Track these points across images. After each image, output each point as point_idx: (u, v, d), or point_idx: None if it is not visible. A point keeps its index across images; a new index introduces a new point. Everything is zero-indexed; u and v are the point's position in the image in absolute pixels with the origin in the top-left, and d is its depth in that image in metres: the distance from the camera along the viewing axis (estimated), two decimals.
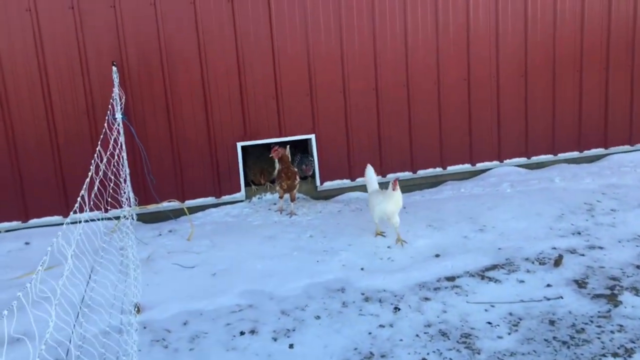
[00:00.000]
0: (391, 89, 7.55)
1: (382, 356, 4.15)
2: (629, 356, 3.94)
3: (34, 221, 6.76)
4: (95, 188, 4.05)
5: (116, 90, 6.32)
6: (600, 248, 5.72)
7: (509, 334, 4.35)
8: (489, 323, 4.50)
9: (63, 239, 3.02)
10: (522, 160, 8.17)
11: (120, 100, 6.45)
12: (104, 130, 5.30)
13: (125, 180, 6.28)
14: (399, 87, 7.57)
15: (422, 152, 7.79)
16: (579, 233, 6.08)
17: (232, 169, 7.17)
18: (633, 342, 4.10)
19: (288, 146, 7.14)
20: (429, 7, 7.49)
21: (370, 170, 6.35)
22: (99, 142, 4.79)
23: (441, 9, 7.51)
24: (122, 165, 6.35)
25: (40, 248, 6.22)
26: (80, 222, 3.44)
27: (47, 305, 2.65)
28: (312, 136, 7.37)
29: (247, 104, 7.11)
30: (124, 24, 6.65)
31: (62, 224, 3.22)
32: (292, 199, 6.93)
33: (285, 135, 7.29)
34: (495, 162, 8.09)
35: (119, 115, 6.24)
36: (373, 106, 7.53)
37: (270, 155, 6.91)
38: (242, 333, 4.52)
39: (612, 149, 8.51)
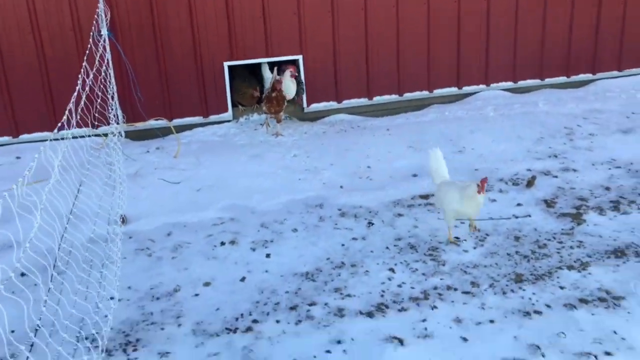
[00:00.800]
0: (380, 9, 7.48)
1: (353, 265, 4.41)
2: (583, 269, 4.19)
3: (24, 136, 6.90)
4: (82, 103, 4.17)
5: (101, 5, 6.29)
6: (574, 170, 5.89)
7: (475, 248, 4.59)
8: (457, 238, 4.73)
9: (52, 153, 3.17)
10: (509, 84, 8.20)
11: (106, 16, 6.43)
12: (89, 46, 5.34)
13: (112, 97, 6.36)
14: (389, 8, 7.50)
15: (409, 75, 7.81)
16: (556, 156, 6.24)
17: (218, 88, 7.23)
18: (589, 257, 4.35)
19: (276, 67, 7.16)
20: None
21: (437, 155, 4.80)
22: (85, 58, 4.84)
23: None
24: (109, 82, 6.41)
25: (31, 162, 6.41)
26: (68, 137, 3.59)
27: (36, 214, 2.83)
28: (300, 57, 7.38)
29: (233, 23, 7.07)
30: None
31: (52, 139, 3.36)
32: (279, 121, 7.03)
33: (273, 56, 7.30)
34: (482, 86, 8.12)
35: (104, 32, 6.24)
36: (361, 26, 7.49)
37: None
38: (222, 243, 4.78)
39: (600, 75, 8.51)
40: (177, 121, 7.21)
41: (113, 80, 6.65)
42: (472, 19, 7.82)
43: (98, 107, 5.36)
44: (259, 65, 7.71)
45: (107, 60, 6.36)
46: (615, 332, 3.49)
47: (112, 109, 6.02)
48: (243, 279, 4.29)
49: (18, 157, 6.56)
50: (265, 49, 7.25)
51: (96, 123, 5.18)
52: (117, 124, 6.42)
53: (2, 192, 5.83)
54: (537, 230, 4.80)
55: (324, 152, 6.48)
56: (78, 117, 3.93)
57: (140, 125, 7.02)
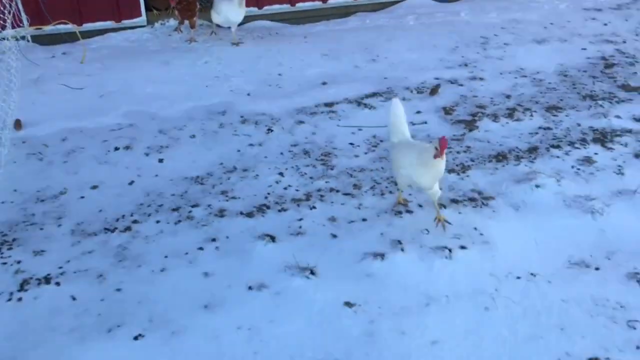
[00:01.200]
0: None
1: (244, 170, 4.47)
2: (463, 172, 4.35)
3: None
4: None
5: None
6: (481, 79, 5.97)
7: (366, 153, 4.70)
8: (351, 144, 4.82)
9: None
10: None
11: None
12: None
13: None
14: None
15: None
16: (466, 65, 6.29)
17: None
18: (472, 161, 4.50)
19: None
20: None
21: (397, 106, 3.82)
22: None
23: None
24: None
25: None
26: None
27: None
28: None
29: None
30: None
31: None
32: (192, 26, 6.83)
33: None
34: None
35: None
36: None
37: None
38: (116, 149, 4.75)
39: None
40: (88, 26, 6.94)
41: None
42: None
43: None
44: None
45: None
46: (475, 229, 3.69)
47: (10, 10, 5.75)
48: (131, 183, 4.31)
49: None
50: None
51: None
52: (18, 27, 6.15)
53: None
54: (430, 136, 4.91)
55: (237, 59, 6.38)
56: None
57: (47, 29, 6.73)
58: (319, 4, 7.68)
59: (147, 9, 7.19)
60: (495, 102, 5.46)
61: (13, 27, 6.07)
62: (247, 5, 7.39)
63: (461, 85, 5.83)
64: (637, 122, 5.00)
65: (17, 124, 4.97)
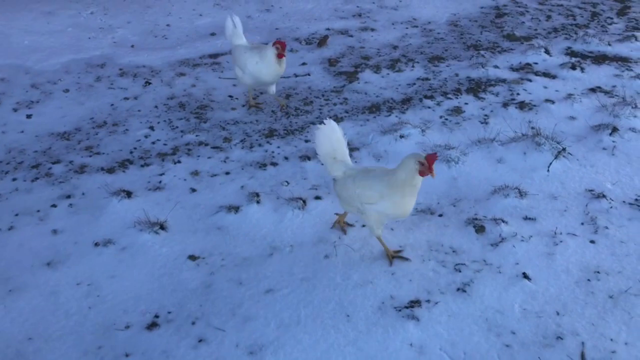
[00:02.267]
0: None
1: (114, 124, 4.38)
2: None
3: None
4: None
5: None
6: (372, 30, 5.99)
7: (243, 106, 4.67)
8: (230, 97, 4.78)
9: None
10: None
11: None
12: None
13: None
14: None
15: None
16: (360, 15, 6.28)
17: None
18: (347, 112, 4.55)
19: None
20: None
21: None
22: None
23: None
24: None
25: None
26: None
27: None
28: None
29: None
30: None
31: None
32: None
33: None
34: None
35: None
36: None
37: None
38: None
39: None
40: None
41: None
42: None
43: None
44: None
45: None
46: (334, 179, 3.75)
47: None
48: None
49: None
50: None
51: None
52: None
53: None
54: (311, 88, 4.92)
55: (124, 9, 6.17)
56: None
57: None
58: None
59: None
60: (381, 54, 5.50)
61: None
62: None
63: (351, 36, 5.83)
64: (513, 72, 5.14)
65: None
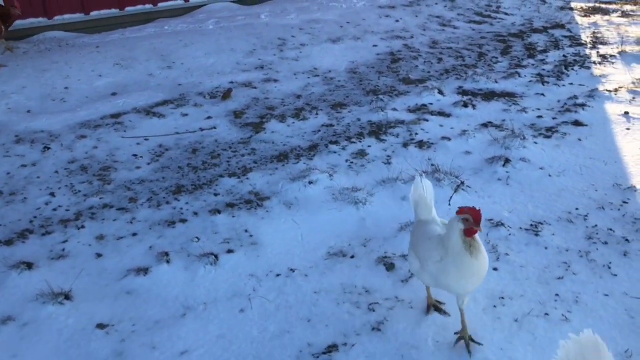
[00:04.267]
0: None
1: (12, 194, 4.18)
2: (244, 175, 4.41)
3: None
4: None
5: None
6: (276, 81, 6.12)
7: (149, 164, 4.61)
8: (135, 156, 4.70)
9: None
10: None
11: None
12: None
13: None
14: None
15: None
16: (262, 67, 6.42)
17: None
18: (255, 163, 4.59)
19: None
20: None
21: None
22: None
23: None
24: None
25: None
26: None
27: None
28: None
29: None
30: None
31: None
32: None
33: None
34: None
35: None
36: None
37: None
38: None
39: None
40: None
41: None
42: None
43: None
44: None
45: None
46: (246, 231, 3.75)
47: None
48: None
49: None
50: None
51: None
52: None
53: None
54: (218, 141, 4.93)
55: (18, 74, 5.98)
56: None
57: None
58: (115, 12, 7.43)
59: None
60: (286, 103, 5.62)
61: None
62: (35, 15, 7.00)
63: (255, 88, 5.94)
64: (410, 113, 5.40)
65: None
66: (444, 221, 2.76)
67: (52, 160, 4.59)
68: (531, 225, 3.71)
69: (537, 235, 3.61)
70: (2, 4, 6.37)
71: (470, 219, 2.42)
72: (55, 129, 5.03)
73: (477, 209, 2.40)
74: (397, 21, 7.93)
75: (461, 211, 2.44)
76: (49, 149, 4.74)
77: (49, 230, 3.77)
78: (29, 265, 3.41)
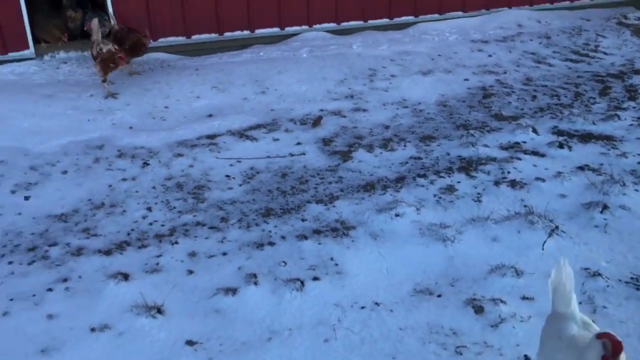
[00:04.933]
0: None
1: (112, 206, 4.42)
2: (330, 202, 4.45)
3: None
4: None
5: None
6: (364, 110, 6.17)
7: (240, 185, 4.74)
8: (227, 176, 4.86)
9: None
10: (332, 25, 8.34)
11: None
12: None
13: None
14: None
15: (230, 13, 7.71)
16: (352, 96, 6.49)
17: (16, 23, 6.78)
18: (342, 191, 4.62)
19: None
20: None
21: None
22: None
23: None
24: None
25: None
26: None
27: None
28: None
29: None
30: None
31: None
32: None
33: None
34: (305, 27, 8.20)
35: None
36: None
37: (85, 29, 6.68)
38: None
39: (422, 17, 8.85)
40: None
41: None
42: None
43: None
44: None
45: None
46: (332, 259, 3.77)
47: None
48: None
49: None
50: None
51: None
52: None
53: None
54: (306, 167, 5.02)
55: (124, 92, 6.33)
56: None
57: None
58: (215, 36, 7.74)
59: (36, 42, 7.04)
60: (374, 133, 5.65)
61: None
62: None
63: (344, 116, 6.00)
64: (502, 150, 5.28)
65: None
66: (585, 319, 2.51)
67: (150, 176, 4.82)
68: (631, 277, 3.52)
69: (638, 289, 3.41)
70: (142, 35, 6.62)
71: (608, 347, 2.21)
72: (154, 146, 5.28)
73: (619, 340, 2.21)
74: (490, 56, 7.82)
75: (603, 335, 2.25)
76: (147, 164, 4.98)
77: (145, 243, 3.95)
78: (125, 277, 3.57)
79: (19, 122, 5.60)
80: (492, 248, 3.83)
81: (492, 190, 4.58)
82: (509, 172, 4.82)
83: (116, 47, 6.15)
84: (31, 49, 6.96)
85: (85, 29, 7.04)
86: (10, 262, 3.74)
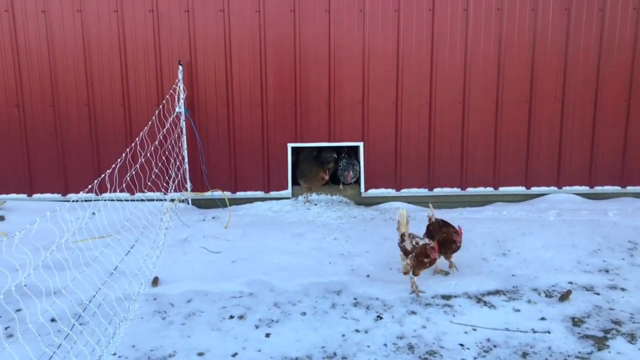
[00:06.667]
0: (446, 105, 7.60)
1: (343, 357, 4.40)
2: None
3: (105, 195, 7.75)
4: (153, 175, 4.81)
5: (180, 86, 7.08)
6: (623, 289, 5.45)
7: (475, 358, 4.40)
8: (461, 345, 4.56)
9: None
10: (584, 189, 7.82)
11: (182, 95, 7.20)
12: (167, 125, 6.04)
13: (179, 168, 7.02)
14: (454, 104, 7.60)
15: (474, 170, 7.74)
16: (607, 271, 5.81)
17: (281, 167, 7.66)
18: None
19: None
20: (492, 21, 7.44)
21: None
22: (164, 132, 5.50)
23: (505, 25, 7.43)
24: (181, 156, 7.12)
25: (106, 218, 7.17)
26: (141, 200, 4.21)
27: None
28: (361, 144, 7.65)
29: (299, 110, 7.55)
30: (196, 28, 7.38)
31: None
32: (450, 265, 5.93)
33: (335, 141, 7.65)
34: (553, 188, 7.82)
35: (178, 108, 7.00)
36: (425, 119, 7.63)
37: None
38: (231, 317, 4.99)
39: None
40: (241, 194, 7.72)
41: (186, 153, 7.36)
42: (543, 126, 7.71)
43: (167, 177, 6.01)
44: (322, 147, 8.13)
45: (177, 133, 7.10)
46: None
47: (178, 178, 6.67)
48: (234, 355, 4.44)
49: (93, 213, 7.36)
50: (328, 134, 7.63)
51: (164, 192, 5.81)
52: (180, 192, 7.04)
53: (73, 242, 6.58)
54: (551, 349, 4.49)
55: (365, 238, 6.57)
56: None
57: (207, 195, 7.60)
58: (457, 191, 7.79)
59: (294, 183, 7.84)
60: (635, 320, 4.90)
61: (177, 191, 7.01)
62: (386, 186, 7.77)
63: (597, 294, 5.36)
64: None
65: (155, 281, 5.49)
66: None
67: (382, 331, 4.76)
68: None
69: None
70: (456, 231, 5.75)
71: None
72: (388, 298, 5.27)
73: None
74: None
75: None
76: (381, 318, 4.95)
77: None
78: None
79: (269, 256, 6.11)
80: None
81: None
82: None
83: (432, 242, 5.39)
84: (289, 190, 7.75)
85: (344, 182, 7.66)
86: None
